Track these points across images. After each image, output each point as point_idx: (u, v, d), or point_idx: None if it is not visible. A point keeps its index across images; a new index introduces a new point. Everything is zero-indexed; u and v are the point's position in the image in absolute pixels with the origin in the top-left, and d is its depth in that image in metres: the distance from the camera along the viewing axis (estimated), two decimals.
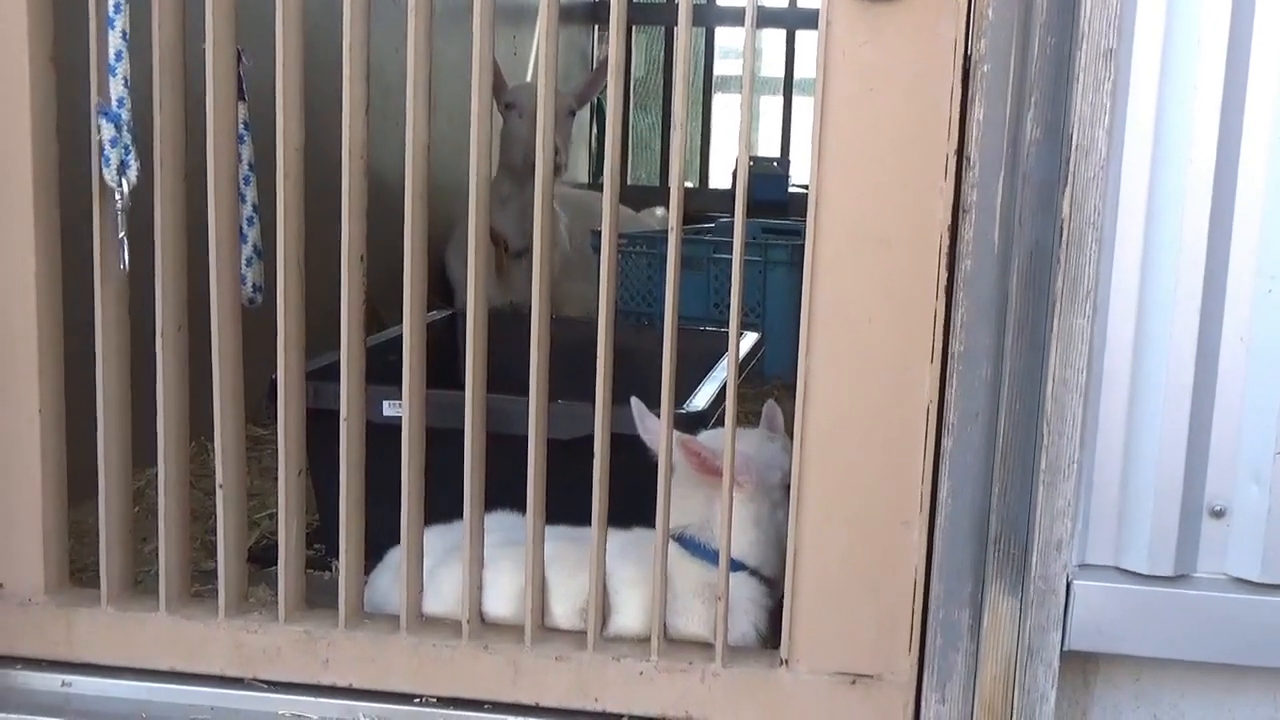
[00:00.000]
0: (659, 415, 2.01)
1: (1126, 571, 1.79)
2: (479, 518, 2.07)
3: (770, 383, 4.09)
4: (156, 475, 2.11)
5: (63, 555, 2.15)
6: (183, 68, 2.04)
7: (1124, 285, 1.73)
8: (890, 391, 1.88)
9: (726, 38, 7.13)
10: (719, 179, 6.98)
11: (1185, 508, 1.76)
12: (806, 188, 1.89)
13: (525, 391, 2.01)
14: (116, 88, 1.97)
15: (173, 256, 2.06)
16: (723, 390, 2.61)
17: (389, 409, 2.34)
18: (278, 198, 2.03)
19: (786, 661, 1.97)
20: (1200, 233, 1.70)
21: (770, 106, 7.15)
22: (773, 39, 7.21)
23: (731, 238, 1.95)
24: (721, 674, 1.99)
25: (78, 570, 2.28)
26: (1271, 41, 1.67)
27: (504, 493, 2.14)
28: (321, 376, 2.31)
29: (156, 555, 2.13)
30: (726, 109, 7.14)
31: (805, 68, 6.69)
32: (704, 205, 5.60)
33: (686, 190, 1.90)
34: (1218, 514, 1.76)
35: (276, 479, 2.10)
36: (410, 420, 2.05)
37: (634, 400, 2.19)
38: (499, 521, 2.18)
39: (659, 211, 5.72)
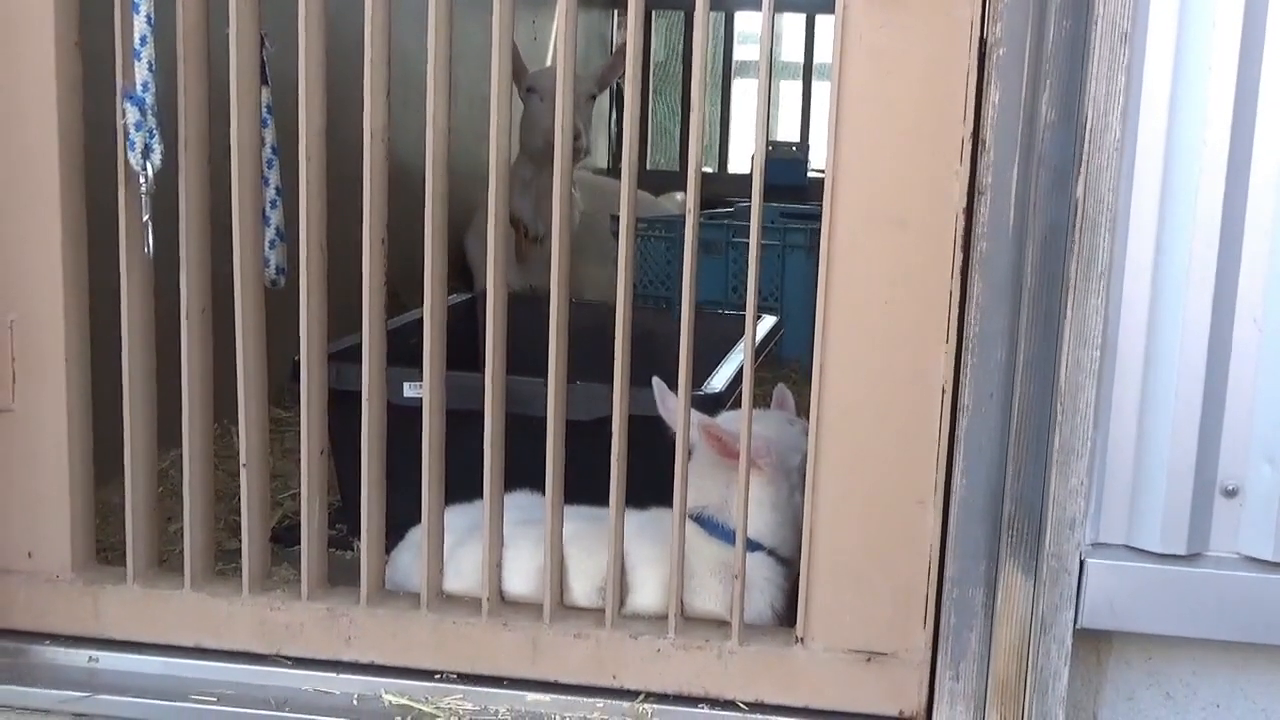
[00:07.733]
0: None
1: (1139, 550, 1.80)
2: (499, 497, 2.09)
3: (788, 365, 4.11)
4: (181, 455, 2.14)
5: (90, 533, 2.18)
6: (206, 52, 2.06)
7: (1138, 266, 1.74)
8: (906, 372, 1.89)
9: (746, 22, 7.11)
10: (738, 164, 6.97)
11: (1198, 487, 1.77)
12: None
13: (544, 374, 2.04)
14: (141, 72, 1.98)
15: (197, 239, 2.09)
16: (740, 372, 2.62)
17: (410, 390, 2.36)
18: (300, 181, 2.05)
19: (802, 639, 1.98)
20: (1214, 214, 1.71)
21: (790, 91, 7.14)
22: (793, 23, 7.20)
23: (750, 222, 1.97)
24: (738, 651, 2.01)
25: (104, 549, 2.31)
26: None
27: (523, 473, 2.16)
28: (343, 358, 2.34)
29: (181, 534, 2.16)
30: (746, 94, 7.13)
31: (825, 52, 6.67)
32: (723, 190, 5.60)
33: (705, 175, 1.91)
34: (1230, 493, 1.77)
35: (299, 459, 2.13)
36: (431, 401, 2.08)
37: (655, 380, 2.21)
38: (518, 501, 2.21)
39: (678, 196, 5.72)
